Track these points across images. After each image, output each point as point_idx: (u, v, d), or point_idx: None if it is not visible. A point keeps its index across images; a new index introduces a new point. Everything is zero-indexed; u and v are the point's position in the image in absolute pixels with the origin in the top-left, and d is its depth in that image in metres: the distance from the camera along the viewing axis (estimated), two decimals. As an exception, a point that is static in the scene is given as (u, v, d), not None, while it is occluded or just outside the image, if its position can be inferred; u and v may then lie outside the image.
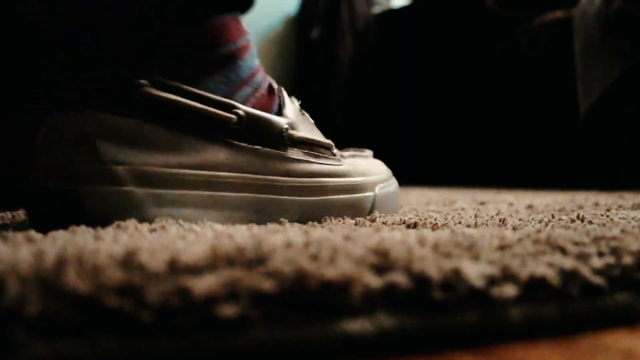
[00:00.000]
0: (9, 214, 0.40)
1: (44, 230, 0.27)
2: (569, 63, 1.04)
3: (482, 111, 1.33)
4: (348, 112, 1.65)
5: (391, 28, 1.61)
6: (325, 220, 0.37)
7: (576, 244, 0.23)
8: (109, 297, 0.15)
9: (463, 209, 0.49)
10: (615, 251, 0.22)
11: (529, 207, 0.49)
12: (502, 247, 0.22)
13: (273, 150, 0.35)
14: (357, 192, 0.40)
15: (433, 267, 0.18)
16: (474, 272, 0.18)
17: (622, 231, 0.26)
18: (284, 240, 0.22)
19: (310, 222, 0.35)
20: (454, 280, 0.18)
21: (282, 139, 0.36)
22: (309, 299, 0.17)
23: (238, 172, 0.34)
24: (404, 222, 0.34)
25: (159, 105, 0.31)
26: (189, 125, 0.32)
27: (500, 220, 0.34)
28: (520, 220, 0.35)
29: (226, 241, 0.22)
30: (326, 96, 1.66)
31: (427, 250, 0.20)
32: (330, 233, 0.27)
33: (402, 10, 1.65)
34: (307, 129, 0.39)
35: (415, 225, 0.33)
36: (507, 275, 0.19)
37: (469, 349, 0.17)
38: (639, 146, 0.95)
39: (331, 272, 0.17)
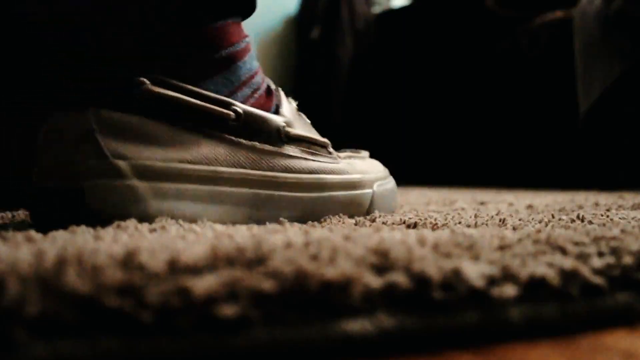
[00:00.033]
0: (9, 214, 0.40)
1: (46, 230, 0.27)
2: (569, 63, 1.04)
3: (482, 111, 1.33)
4: (348, 112, 1.65)
5: (391, 28, 1.61)
6: (325, 220, 0.37)
7: (576, 244, 0.23)
8: (109, 297, 0.15)
9: (463, 209, 0.49)
10: (615, 251, 0.22)
11: (529, 207, 0.49)
12: (502, 247, 0.22)
13: (271, 146, 0.36)
14: (356, 189, 0.40)
15: (433, 267, 0.18)
16: (474, 272, 0.18)
17: (622, 231, 0.26)
18: (284, 240, 0.22)
19: (310, 222, 0.35)
20: (454, 280, 0.18)
21: (279, 136, 0.36)
22: (309, 299, 0.17)
23: (237, 168, 0.34)
24: (404, 222, 0.34)
25: (160, 103, 0.32)
26: (189, 121, 0.33)
27: (500, 220, 0.34)
28: (520, 220, 0.35)
29: (226, 241, 0.22)
30: (326, 96, 1.66)
31: (427, 250, 0.20)
32: (330, 233, 0.27)
33: (402, 10, 1.65)
34: (304, 128, 0.39)
35: (415, 225, 0.33)
36: (507, 275, 0.19)
37: (469, 349, 0.17)
38: (639, 146, 0.95)
39: (331, 272, 0.17)
